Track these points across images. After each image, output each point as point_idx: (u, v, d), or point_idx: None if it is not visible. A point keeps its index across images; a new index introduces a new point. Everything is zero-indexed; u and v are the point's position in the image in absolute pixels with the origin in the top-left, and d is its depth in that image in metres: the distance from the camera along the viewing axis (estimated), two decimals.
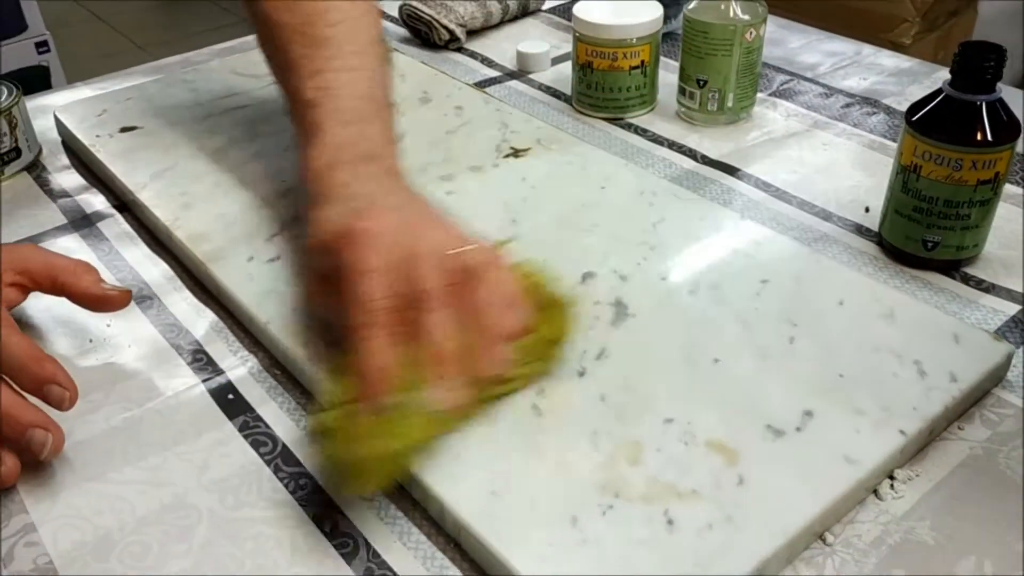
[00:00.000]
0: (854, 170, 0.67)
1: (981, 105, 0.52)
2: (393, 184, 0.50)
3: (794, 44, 0.89)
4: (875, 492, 0.43)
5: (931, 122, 0.53)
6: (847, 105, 0.76)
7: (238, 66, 0.81)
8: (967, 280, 0.56)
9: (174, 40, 0.85)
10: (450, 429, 0.42)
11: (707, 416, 0.44)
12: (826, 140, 0.71)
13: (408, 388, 0.41)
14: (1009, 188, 0.65)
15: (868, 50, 0.86)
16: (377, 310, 0.42)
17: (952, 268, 0.57)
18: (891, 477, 0.43)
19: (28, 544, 0.41)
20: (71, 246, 0.62)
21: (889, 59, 0.85)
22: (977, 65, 0.52)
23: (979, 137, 0.52)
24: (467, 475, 0.41)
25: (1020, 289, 0.55)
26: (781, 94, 0.79)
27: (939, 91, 0.54)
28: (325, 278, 0.46)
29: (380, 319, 0.42)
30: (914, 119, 0.54)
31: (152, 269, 0.60)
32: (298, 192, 0.53)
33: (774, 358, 0.47)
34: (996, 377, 0.48)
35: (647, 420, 0.44)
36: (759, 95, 0.78)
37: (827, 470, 0.41)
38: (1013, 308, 0.54)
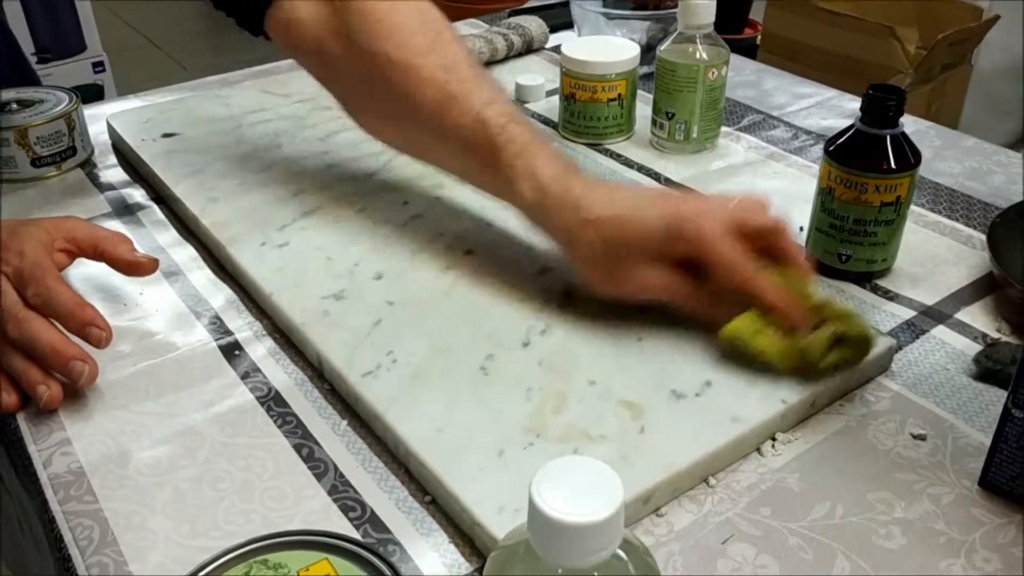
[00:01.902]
0: (798, 196, 0.76)
1: (886, 137, 0.61)
2: (604, 181, 0.61)
3: (768, 86, 0.98)
4: (758, 450, 0.51)
5: (843, 151, 0.62)
6: (804, 141, 0.85)
7: (268, 86, 0.93)
8: (876, 290, 0.64)
9: (222, 67, 0.96)
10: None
11: (624, 380, 0.53)
12: (778, 170, 0.81)
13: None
14: (930, 215, 0.73)
15: (832, 93, 0.95)
16: (749, 262, 0.53)
17: (864, 279, 0.65)
18: (773, 438, 0.52)
19: (64, 454, 0.51)
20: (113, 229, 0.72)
21: (851, 103, 0.94)
22: (882, 104, 0.61)
23: (883, 165, 0.61)
24: (419, 416, 0.51)
25: (919, 299, 0.63)
26: (747, 129, 0.88)
27: (852, 126, 0.63)
28: (660, 258, 0.54)
29: (754, 267, 0.53)
30: (830, 149, 0.63)
31: (180, 251, 0.70)
32: (522, 202, 0.58)
33: (689, 340, 0.56)
34: (879, 366, 0.56)
35: (574, 381, 0.53)
36: (727, 128, 0.88)
37: (714, 426, 0.50)
38: (910, 314, 0.62)
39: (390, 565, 0.38)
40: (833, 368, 0.53)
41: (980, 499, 0.48)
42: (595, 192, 0.56)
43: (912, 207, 0.74)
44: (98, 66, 2.18)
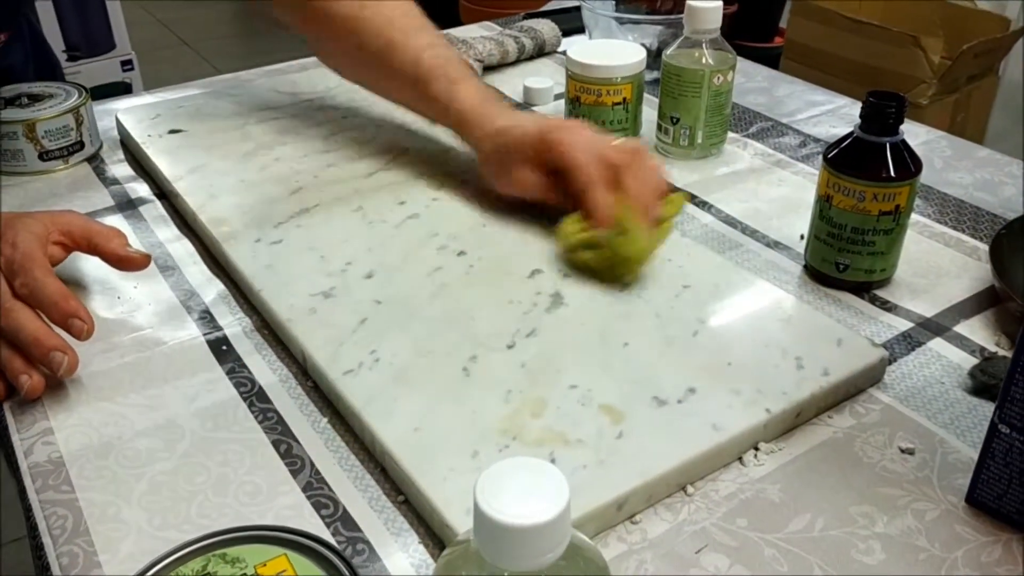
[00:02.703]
0: (800, 204, 0.75)
1: (885, 145, 0.60)
2: (522, 112, 0.73)
3: (780, 93, 0.97)
4: (740, 459, 0.50)
5: (841, 158, 0.61)
6: (812, 148, 0.84)
7: (278, 85, 0.93)
8: (874, 300, 0.63)
9: (253, 68, 0.97)
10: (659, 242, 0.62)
11: (606, 385, 0.52)
12: (783, 177, 0.79)
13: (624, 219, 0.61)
14: (935, 226, 0.72)
15: (844, 101, 0.94)
16: (597, 171, 0.63)
17: (863, 289, 0.64)
18: (756, 448, 0.51)
19: (45, 443, 0.52)
20: (115, 225, 0.73)
21: None
22: (881, 111, 0.59)
23: (881, 173, 0.60)
24: (397, 415, 0.50)
25: (918, 311, 0.62)
26: (755, 136, 0.87)
27: (852, 133, 0.62)
28: (533, 162, 0.66)
29: (599, 179, 0.62)
30: (829, 156, 0.62)
31: (178, 246, 0.70)
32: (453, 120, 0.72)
33: (676, 346, 0.55)
34: (871, 378, 0.55)
35: (555, 385, 0.52)
36: (734, 135, 0.87)
37: (694, 434, 0.49)
38: (907, 326, 0.61)
39: (347, 563, 0.38)
40: (582, 267, 0.62)
41: (966, 516, 0.47)
42: (500, 114, 0.70)
43: (917, 217, 0.73)
44: (126, 64, 2.21)
